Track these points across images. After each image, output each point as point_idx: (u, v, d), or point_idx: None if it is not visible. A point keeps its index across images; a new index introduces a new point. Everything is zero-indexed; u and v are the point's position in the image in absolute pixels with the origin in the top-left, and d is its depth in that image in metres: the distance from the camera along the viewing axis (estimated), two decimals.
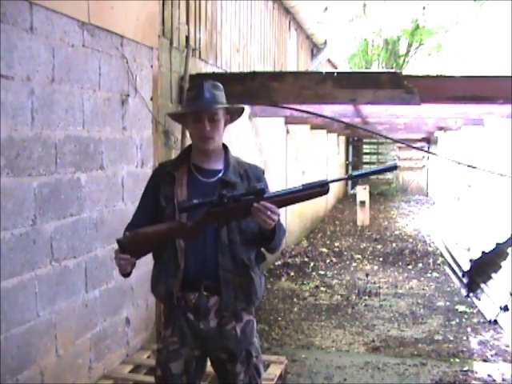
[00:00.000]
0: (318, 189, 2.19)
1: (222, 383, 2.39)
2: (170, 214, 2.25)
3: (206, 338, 2.28)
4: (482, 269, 6.43)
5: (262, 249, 2.37)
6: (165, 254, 2.27)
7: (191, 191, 2.27)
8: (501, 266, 6.10)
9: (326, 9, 10.03)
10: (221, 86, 2.33)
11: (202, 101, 2.24)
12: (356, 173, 2.25)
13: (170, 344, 2.30)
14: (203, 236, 2.20)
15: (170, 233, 2.18)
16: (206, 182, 2.30)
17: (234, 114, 2.39)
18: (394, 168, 2.30)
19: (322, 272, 7.68)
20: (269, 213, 2.11)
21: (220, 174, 2.31)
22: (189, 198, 2.25)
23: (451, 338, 5.12)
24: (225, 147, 2.39)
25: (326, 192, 2.20)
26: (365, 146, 19.89)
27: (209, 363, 2.40)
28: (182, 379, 2.28)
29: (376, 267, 8.07)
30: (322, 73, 4.55)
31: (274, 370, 3.84)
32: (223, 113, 2.31)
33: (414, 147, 10.30)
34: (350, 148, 19.32)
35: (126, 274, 2.23)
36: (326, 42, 11.25)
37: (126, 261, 2.15)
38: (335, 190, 15.83)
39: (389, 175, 19.17)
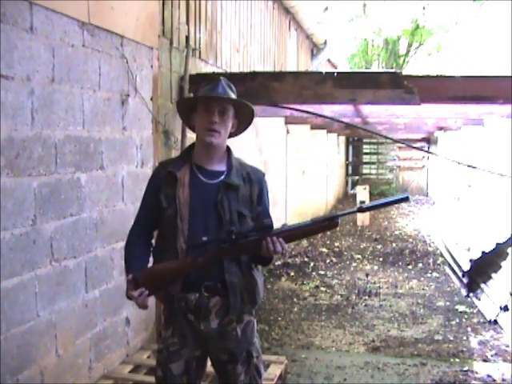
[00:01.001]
0: (327, 223, 2.20)
1: (222, 383, 2.39)
2: (172, 216, 2.24)
3: (206, 338, 2.27)
4: (482, 269, 6.43)
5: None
6: (166, 256, 2.26)
7: (193, 192, 2.25)
8: (501, 266, 6.10)
9: (326, 9, 10.02)
10: (234, 89, 2.33)
11: (218, 93, 2.24)
12: (366, 205, 2.25)
13: (170, 345, 2.29)
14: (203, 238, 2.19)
15: (183, 269, 2.19)
16: (208, 183, 2.28)
17: (241, 122, 2.37)
18: (406, 199, 2.27)
19: (322, 272, 7.68)
20: (277, 248, 2.13)
21: (222, 176, 2.29)
22: (191, 199, 2.24)
23: (451, 338, 5.12)
24: (228, 149, 2.37)
25: (335, 225, 2.21)
26: (365, 146, 19.88)
27: (209, 363, 2.40)
28: (183, 379, 2.28)
29: (376, 267, 8.07)
30: (322, 73, 4.55)
31: (274, 370, 3.84)
32: (232, 115, 2.30)
33: (414, 147, 10.32)
34: (350, 148, 19.31)
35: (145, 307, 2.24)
36: (325, 42, 11.26)
37: (142, 296, 2.17)
38: (335, 190, 15.83)
39: (389, 175, 19.19)
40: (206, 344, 2.29)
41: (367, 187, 12.34)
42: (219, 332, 2.27)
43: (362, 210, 2.23)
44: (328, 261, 8.39)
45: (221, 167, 2.32)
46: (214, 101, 2.23)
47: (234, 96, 2.29)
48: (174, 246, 2.22)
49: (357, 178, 19.01)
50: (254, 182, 2.33)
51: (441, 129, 10.46)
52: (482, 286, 6.32)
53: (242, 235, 2.16)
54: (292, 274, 7.52)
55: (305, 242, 9.85)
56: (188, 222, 2.23)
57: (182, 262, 2.20)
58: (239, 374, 2.31)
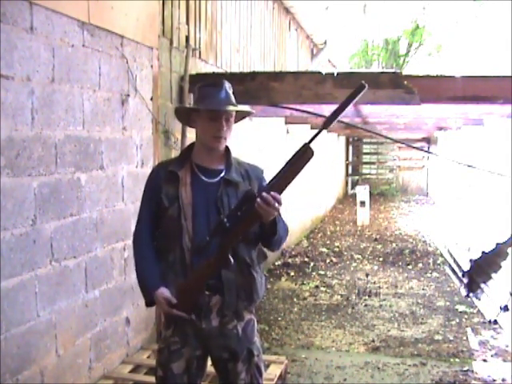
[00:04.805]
0: (300, 154, 2.15)
1: (223, 383, 2.39)
2: (174, 215, 2.25)
3: (207, 337, 2.28)
4: (482, 269, 6.43)
5: (264, 248, 2.36)
6: (170, 255, 2.27)
7: (195, 191, 2.27)
8: (501, 266, 6.10)
9: (327, 8, 10.00)
10: (232, 88, 2.33)
11: (221, 100, 2.24)
12: (328, 116, 2.16)
13: (171, 344, 2.30)
14: (206, 237, 2.20)
15: (209, 273, 2.20)
16: (209, 182, 2.30)
17: (240, 116, 2.38)
18: (362, 87, 2.16)
19: (322, 272, 7.68)
20: (273, 203, 2.09)
21: (222, 174, 2.31)
22: (193, 197, 2.26)
23: (451, 338, 5.12)
24: (226, 147, 2.38)
25: (310, 153, 2.15)
26: (365, 146, 19.87)
27: (209, 362, 2.40)
28: (183, 379, 2.28)
29: (376, 267, 8.07)
30: (321, 73, 4.54)
31: (274, 370, 3.85)
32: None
33: (414, 147, 10.30)
34: (350, 148, 19.31)
35: None
36: (325, 42, 11.25)
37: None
38: (335, 190, 15.82)
39: (389, 175, 19.17)
40: (206, 343, 2.29)
41: (367, 187, 12.32)
42: (220, 330, 2.28)
43: (326, 124, 2.15)
44: (328, 261, 8.39)
45: (220, 166, 2.34)
46: (227, 110, 2.23)
47: (233, 97, 2.30)
48: (178, 245, 2.24)
49: (357, 178, 19.01)
50: (252, 179, 2.35)
51: (441, 129, 10.46)
52: (482, 285, 6.32)
53: (234, 217, 2.15)
54: (292, 273, 7.52)
55: (305, 242, 9.86)
56: (192, 220, 2.24)
57: (205, 268, 2.19)
58: (240, 372, 2.31)
